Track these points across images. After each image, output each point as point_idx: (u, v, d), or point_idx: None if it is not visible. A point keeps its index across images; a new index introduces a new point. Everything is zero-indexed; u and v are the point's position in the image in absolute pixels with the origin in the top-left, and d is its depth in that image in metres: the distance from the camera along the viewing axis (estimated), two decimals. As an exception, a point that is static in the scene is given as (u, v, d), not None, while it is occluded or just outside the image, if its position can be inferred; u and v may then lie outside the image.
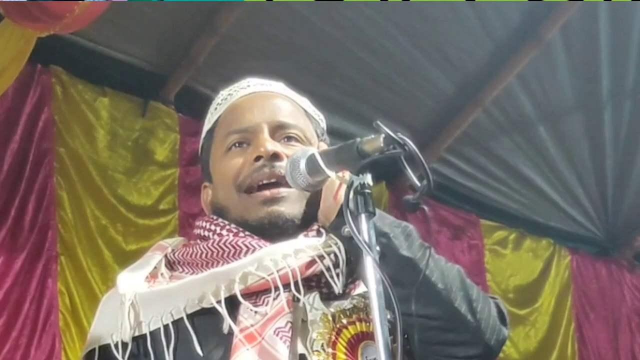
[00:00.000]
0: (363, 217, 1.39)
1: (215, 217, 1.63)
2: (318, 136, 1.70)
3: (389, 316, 1.37)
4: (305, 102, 1.72)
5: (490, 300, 1.56)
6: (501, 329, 1.54)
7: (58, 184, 4.26)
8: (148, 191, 4.57)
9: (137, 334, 1.52)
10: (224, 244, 1.56)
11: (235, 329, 1.47)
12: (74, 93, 4.38)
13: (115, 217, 4.42)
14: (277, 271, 1.49)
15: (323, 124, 1.74)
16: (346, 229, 1.41)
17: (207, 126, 1.71)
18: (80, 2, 3.39)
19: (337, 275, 1.52)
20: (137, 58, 4.62)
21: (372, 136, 1.40)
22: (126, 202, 4.47)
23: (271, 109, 1.65)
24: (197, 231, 1.64)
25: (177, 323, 1.51)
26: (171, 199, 4.63)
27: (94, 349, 1.55)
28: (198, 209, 4.50)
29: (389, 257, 1.45)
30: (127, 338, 1.51)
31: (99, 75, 4.50)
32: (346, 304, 1.52)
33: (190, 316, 1.50)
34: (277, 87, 1.71)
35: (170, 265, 1.62)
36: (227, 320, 1.48)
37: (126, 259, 4.25)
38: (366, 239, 1.38)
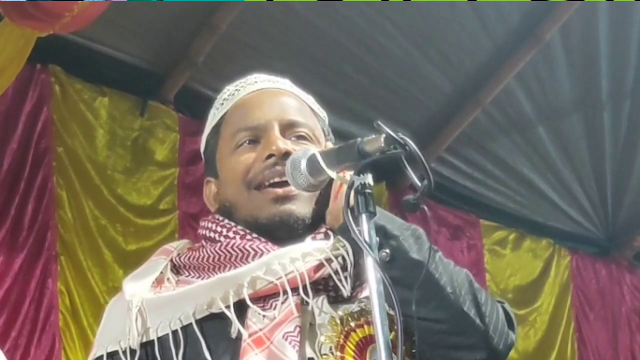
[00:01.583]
0: (364, 217, 1.38)
1: (221, 218, 1.61)
2: (325, 134, 1.69)
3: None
4: (310, 100, 1.71)
5: (497, 304, 1.55)
6: (509, 333, 1.54)
7: (57, 183, 4.25)
8: (147, 191, 4.56)
9: (144, 340, 1.51)
10: (232, 247, 1.54)
11: (245, 333, 1.46)
12: (73, 93, 4.38)
13: (115, 217, 4.41)
14: (286, 275, 1.48)
15: (326, 121, 1.72)
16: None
17: (212, 121, 1.68)
18: (79, 1, 3.39)
19: (345, 278, 1.51)
20: (136, 57, 4.61)
21: (373, 136, 1.39)
22: (126, 202, 4.47)
23: (281, 107, 1.64)
24: (202, 232, 1.62)
25: (186, 329, 1.50)
26: (171, 199, 4.63)
27: (101, 356, 1.54)
28: (198, 209, 4.52)
29: (398, 259, 1.45)
30: (135, 344, 1.50)
31: (98, 75, 4.50)
32: (354, 306, 1.52)
33: (198, 321, 1.49)
34: (284, 84, 1.70)
35: (176, 269, 1.61)
36: (236, 325, 1.47)
37: (126, 259, 4.26)
38: (367, 239, 1.37)
